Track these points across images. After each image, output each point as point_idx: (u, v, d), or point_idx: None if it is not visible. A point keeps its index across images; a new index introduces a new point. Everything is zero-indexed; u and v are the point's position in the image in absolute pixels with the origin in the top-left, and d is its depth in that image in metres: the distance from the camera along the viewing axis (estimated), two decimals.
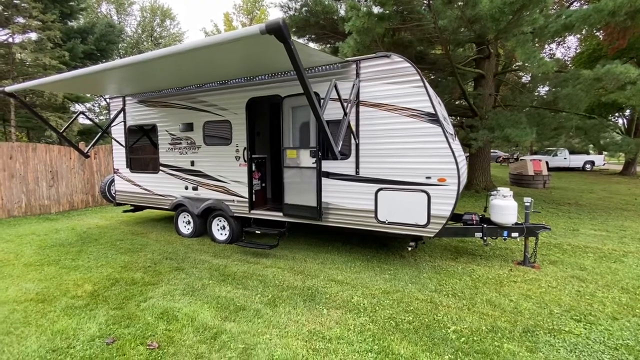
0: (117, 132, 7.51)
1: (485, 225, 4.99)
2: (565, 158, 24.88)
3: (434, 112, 4.32)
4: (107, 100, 7.79)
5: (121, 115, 7.32)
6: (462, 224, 5.26)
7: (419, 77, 4.38)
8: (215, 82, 5.96)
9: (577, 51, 19.31)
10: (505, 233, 4.99)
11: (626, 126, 22.88)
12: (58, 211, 9.58)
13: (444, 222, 4.40)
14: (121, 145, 7.43)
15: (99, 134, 6.96)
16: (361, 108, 4.76)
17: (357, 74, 4.73)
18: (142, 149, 7.30)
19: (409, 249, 4.85)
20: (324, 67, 4.90)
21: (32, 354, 2.89)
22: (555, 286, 4.30)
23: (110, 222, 8.26)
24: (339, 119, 4.45)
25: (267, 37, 3.10)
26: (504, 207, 4.96)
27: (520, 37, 8.48)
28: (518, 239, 5.11)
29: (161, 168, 6.94)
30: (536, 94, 14.03)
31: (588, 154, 27.09)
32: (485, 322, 3.39)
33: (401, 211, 4.63)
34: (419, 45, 9.34)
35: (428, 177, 4.42)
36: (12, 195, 8.75)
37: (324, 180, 5.09)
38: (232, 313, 3.55)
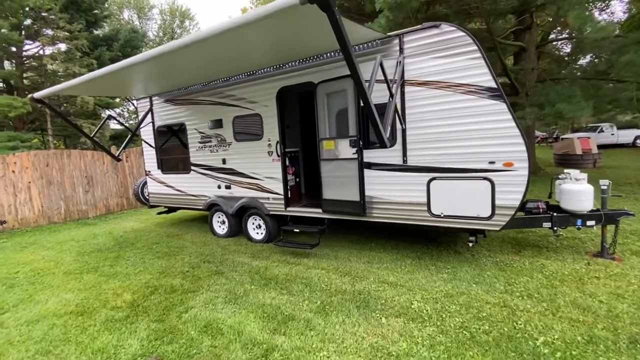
0: (147, 133, 7.38)
1: (555, 214, 4.36)
2: (612, 134, 22.86)
3: (496, 87, 3.73)
4: (135, 102, 7.67)
5: (149, 116, 7.17)
6: (524, 214, 4.64)
7: (476, 47, 3.79)
8: (243, 74, 5.61)
9: (626, 16, 17.45)
10: (579, 222, 4.33)
11: None
12: (95, 215, 9.73)
13: (513, 213, 3.83)
14: (151, 146, 7.30)
15: (129, 136, 6.83)
16: (407, 88, 4.23)
17: (401, 50, 4.20)
18: (173, 150, 7.13)
19: (470, 244, 4.31)
20: (361, 46, 4.40)
21: None
22: None
23: (146, 224, 8.23)
24: (381, 103, 3.96)
25: (302, 12, 2.67)
26: (579, 192, 4.28)
27: (573, 0, 7.53)
28: (595, 228, 4.43)
29: (192, 168, 6.74)
30: (583, 63, 12.77)
31: (638, 127, 24.85)
32: (579, 331, 2.85)
33: (459, 202, 4.09)
34: (456, 18, 8.54)
35: (491, 162, 3.85)
36: (52, 202, 8.92)
37: (366, 172, 4.63)
38: (280, 324, 3.21)
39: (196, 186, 6.76)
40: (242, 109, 5.81)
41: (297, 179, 6.08)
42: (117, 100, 21.22)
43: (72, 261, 5.60)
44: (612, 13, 18.19)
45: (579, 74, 11.49)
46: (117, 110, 25.73)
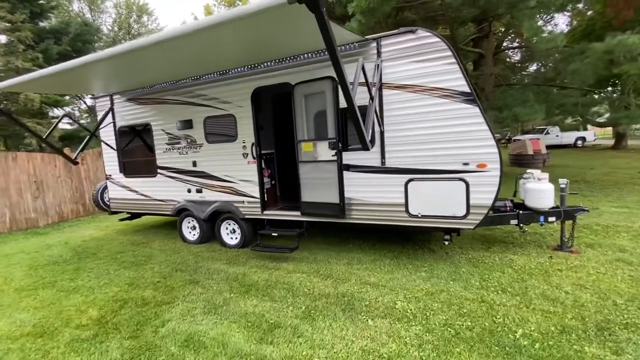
0: (107, 134, 6.86)
1: (520, 212, 4.64)
2: (557, 135, 24.98)
3: (469, 91, 3.89)
4: (94, 100, 7.11)
5: (110, 116, 6.68)
6: (493, 212, 4.88)
7: (450, 53, 3.93)
8: (214, 73, 5.39)
9: (568, 28, 19.15)
10: (541, 218, 4.65)
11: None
12: (47, 224, 8.89)
13: (486, 211, 4.02)
14: (112, 148, 6.80)
15: (88, 137, 6.31)
16: (384, 91, 4.29)
17: (379, 53, 4.26)
18: (137, 152, 6.70)
19: (445, 243, 4.47)
20: (341, 48, 4.40)
21: None
22: (605, 272, 3.99)
23: (106, 232, 7.66)
24: (361, 105, 3.98)
25: (284, 12, 2.61)
26: (541, 190, 4.60)
27: (527, 12, 8.11)
28: (555, 224, 4.78)
29: (159, 171, 6.37)
30: (533, 70, 13.81)
31: (579, 130, 27.36)
32: (552, 322, 3.04)
33: (436, 203, 4.22)
34: (423, 24, 8.87)
35: (466, 164, 4.02)
36: None
37: (346, 174, 4.64)
38: (266, 333, 3.11)
39: (163, 190, 6.40)
40: (214, 109, 5.59)
41: (273, 182, 5.97)
42: (67, 98, 19.65)
43: (24, 276, 5.06)
44: (555, 25, 19.85)
45: (526, 80, 12.40)
46: (67, 109, 23.78)
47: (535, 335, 2.86)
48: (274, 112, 6.63)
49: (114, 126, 6.74)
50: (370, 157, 4.50)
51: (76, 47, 18.12)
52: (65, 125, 19.93)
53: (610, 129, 28.10)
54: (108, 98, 6.67)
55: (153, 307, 3.76)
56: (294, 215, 5.16)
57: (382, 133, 4.38)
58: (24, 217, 8.48)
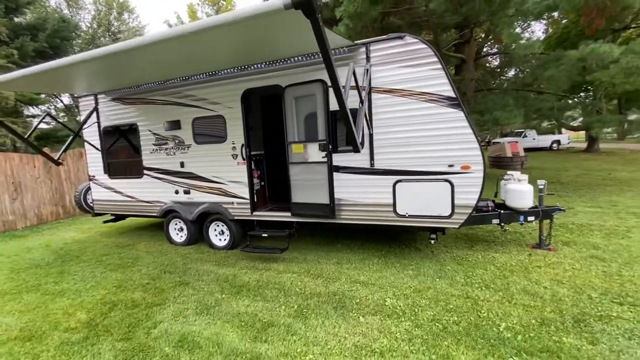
0: (90, 134, 6.72)
1: (502, 211, 4.85)
2: (534, 139, 25.94)
3: (455, 96, 4.06)
4: (76, 99, 6.94)
5: (94, 115, 6.54)
6: (475, 212, 5.09)
7: (436, 59, 4.09)
8: (204, 73, 5.39)
9: (544, 36, 19.99)
10: (521, 217, 4.88)
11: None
12: (25, 226, 8.58)
13: (470, 211, 4.20)
14: (96, 149, 6.66)
15: (71, 137, 6.16)
16: (374, 95, 4.42)
17: (368, 58, 4.38)
18: (122, 152, 6.59)
19: (431, 241, 4.62)
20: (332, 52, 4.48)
21: None
22: (580, 268, 4.24)
23: (89, 234, 7.48)
24: (351, 108, 4.08)
25: (279, 16, 2.68)
26: (521, 191, 4.84)
27: (506, 20, 8.46)
28: (534, 223, 5.02)
29: (145, 172, 6.29)
30: (512, 75, 14.35)
31: (554, 133, 28.52)
32: (532, 315, 3.22)
33: (422, 203, 4.37)
34: (407, 30, 9.11)
35: (451, 165, 4.18)
36: None
37: (336, 175, 4.73)
38: (260, 331, 3.16)
39: (150, 191, 6.32)
40: (203, 110, 5.58)
41: (262, 183, 6.00)
42: (43, 96, 18.98)
43: (5, 280, 4.90)
44: (533, 32, 20.66)
45: (505, 85, 12.89)
46: (43, 108, 22.93)
47: (517, 328, 3.02)
48: (264, 113, 6.67)
49: (99, 126, 6.61)
50: (360, 159, 4.61)
51: (53, 44, 17.53)
52: (41, 124, 19.22)
53: (583, 132, 29.46)
54: (92, 97, 6.54)
55: (144, 308, 3.74)
56: (284, 216, 5.21)
57: (371, 135, 4.49)
58: (1, 220, 8.16)
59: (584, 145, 23.65)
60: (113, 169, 6.72)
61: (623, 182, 10.26)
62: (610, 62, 8.15)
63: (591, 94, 16.08)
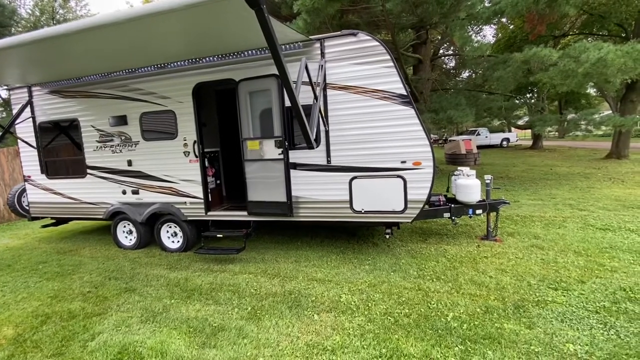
0: (25, 130, 6.10)
1: (452, 205, 5.06)
2: (486, 137, 27.58)
3: (406, 94, 4.14)
4: (8, 92, 6.27)
5: (28, 109, 5.94)
6: (428, 206, 5.27)
7: (389, 57, 4.15)
8: (152, 66, 5.07)
9: (494, 40, 21.25)
10: (470, 211, 5.11)
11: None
12: None
13: (422, 206, 4.32)
14: (31, 146, 6.06)
15: (1, 134, 5.55)
16: (330, 91, 4.40)
17: (322, 54, 4.35)
18: (61, 150, 6.05)
19: (387, 236, 4.71)
20: (285, 47, 4.40)
21: None
22: (522, 257, 4.51)
23: (25, 240, 6.81)
24: (305, 104, 4.04)
25: (227, 6, 2.58)
26: (469, 186, 5.06)
27: (458, 22, 8.83)
28: (482, 215, 5.28)
29: (89, 171, 5.82)
30: (465, 76, 15.08)
31: (504, 132, 30.50)
32: (477, 304, 3.37)
33: (377, 199, 4.43)
34: (365, 28, 9.24)
35: (403, 162, 4.27)
36: None
37: (292, 173, 4.66)
38: (209, 337, 3.02)
39: (94, 192, 5.87)
40: (151, 104, 5.26)
41: (218, 181, 5.79)
42: None
43: None
44: (484, 36, 21.86)
45: (460, 85, 13.54)
46: None
47: (463, 317, 3.15)
48: (220, 108, 6.43)
49: (34, 121, 6.02)
50: (317, 156, 4.58)
51: None
52: None
53: (529, 130, 31.73)
54: (26, 89, 5.93)
55: (82, 319, 3.44)
56: (240, 215, 5.06)
57: (327, 132, 4.47)
58: None
59: (530, 142, 25.48)
60: (52, 169, 6.16)
61: (562, 176, 11.17)
62: (550, 65, 8.80)
63: (535, 95, 17.32)
